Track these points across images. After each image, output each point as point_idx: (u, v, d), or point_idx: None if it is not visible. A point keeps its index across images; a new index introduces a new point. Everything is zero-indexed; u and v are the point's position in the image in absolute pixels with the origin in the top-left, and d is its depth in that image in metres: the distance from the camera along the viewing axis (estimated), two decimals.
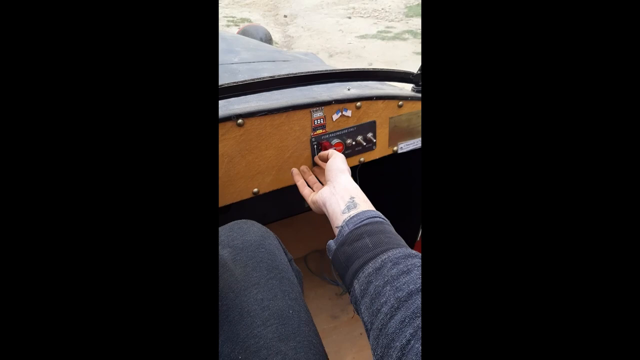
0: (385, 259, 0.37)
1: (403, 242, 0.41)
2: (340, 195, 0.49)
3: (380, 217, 0.45)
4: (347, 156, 0.72)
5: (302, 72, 0.63)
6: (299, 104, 0.62)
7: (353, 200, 0.47)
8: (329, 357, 0.95)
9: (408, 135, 0.78)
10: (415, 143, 0.80)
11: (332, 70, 0.67)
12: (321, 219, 1.35)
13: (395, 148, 0.78)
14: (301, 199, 1.28)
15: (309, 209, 1.28)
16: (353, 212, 0.45)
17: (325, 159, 0.63)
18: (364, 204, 0.47)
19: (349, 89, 0.71)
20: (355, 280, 0.39)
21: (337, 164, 0.56)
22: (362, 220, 0.43)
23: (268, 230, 0.57)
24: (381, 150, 0.76)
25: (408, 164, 0.98)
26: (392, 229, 0.44)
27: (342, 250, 0.42)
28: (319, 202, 0.53)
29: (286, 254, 0.57)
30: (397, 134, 0.77)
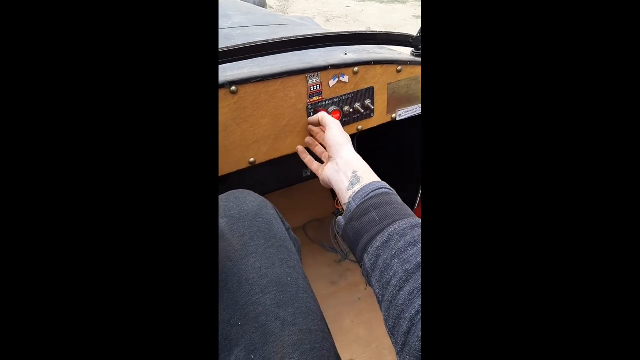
0: (392, 231, 0.38)
1: (409, 210, 0.41)
2: (343, 172, 0.49)
3: (385, 188, 0.44)
4: (344, 124, 0.70)
5: (297, 36, 0.60)
6: (294, 69, 0.60)
7: (356, 175, 0.48)
8: (328, 321, 0.98)
9: (407, 101, 0.76)
10: (415, 110, 0.79)
11: (328, 33, 0.64)
12: (319, 188, 1.35)
13: (394, 115, 0.76)
14: (299, 169, 1.28)
15: (307, 178, 1.29)
16: (357, 187, 0.45)
17: (316, 124, 0.62)
18: (367, 176, 0.47)
19: (346, 54, 0.68)
20: (365, 255, 0.39)
21: (335, 138, 0.55)
22: (368, 194, 0.43)
23: (265, 200, 0.57)
24: (379, 117, 0.75)
25: (406, 131, 0.96)
26: (397, 198, 0.44)
27: (350, 226, 0.42)
28: (325, 180, 0.53)
29: (284, 223, 0.57)
30: (395, 101, 0.75)
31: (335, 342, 0.92)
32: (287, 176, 1.28)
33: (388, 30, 0.70)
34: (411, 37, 0.72)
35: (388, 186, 0.45)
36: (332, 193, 1.31)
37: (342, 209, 1.21)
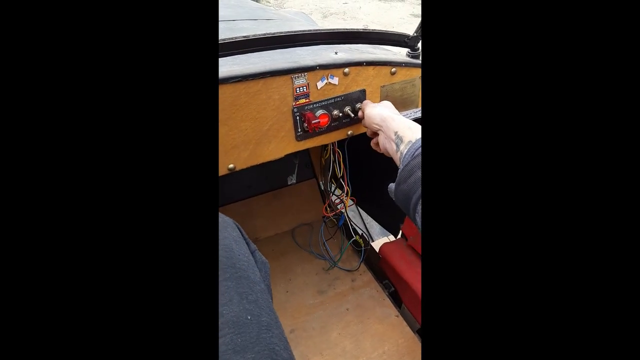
0: None
1: None
2: (388, 137, 0.50)
3: None
4: (333, 129, 0.65)
5: (283, 32, 0.55)
6: (278, 69, 0.55)
7: (397, 135, 0.48)
8: (314, 334, 0.94)
9: (401, 106, 0.71)
10: (410, 114, 0.74)
11: (316, 30, 0.59)
12: (310, 191, 1.30)
13: None
14: (287, 171, 1.22)
15: (291, 185, 1.24)
16: (403, 148, 0.46)
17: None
18: (410, 133, 0.47)
19: (336, 53, 0.63)
20: (416, 214, 0.39)
21: (368, 112, 0.56)
22: (412, 154, 0.43)
23: (227, 219, 0.52)
24: None
25: None
26: None
27: (399, 190, 0.42)
28: (383, 151, 0.54)
29: (248, 245, 0.52)
30: None
31: (320, 356, 0.88)
32: (275, 178, 1.22)
33: (383, 29, 0.65)
34: (407, 36, 0.67)
35: None
36: (322, 197, 1.26)
37: (330, 216, 1.14)
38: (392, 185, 0.44)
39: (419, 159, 0.41)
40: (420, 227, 0.39)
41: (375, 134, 0.58)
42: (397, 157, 0.47)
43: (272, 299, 0.50)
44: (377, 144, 0.57)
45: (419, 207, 0.38)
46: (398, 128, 0.49)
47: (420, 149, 0.43)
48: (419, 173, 0.40)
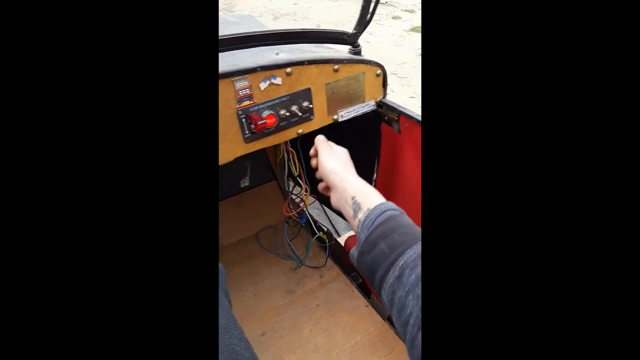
0: (402, 265, 0.36)
1: (418, 231, 0.40)
2: (344, 200, 0.48)
3: (389, 209, 0.42)
4: (282, 128, 0.66)
5: (221, 36, 0.55)
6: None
7: (355, 201, 0.46)
8: (285, 333, 0.94)
9: (347, 101, 0.73)
10: (357, 109, 0.76)
11: (254, 32, 0.60)
12: (271, 193, 1.29)
13: (335, 117, 0.73)
14: (242, 177, 1.21)
15: (245, 188, 1.23)
16: (361, 215, 0.44)
17: (314, 155, 0.56)
18: (367, 200, 0.45)
19: (277, 54, 0.64)
20: (382, 291, 0.38)
21: (324, 164, 0.52)
22: (373, 223, 0.41)
23: None
24: (320, 119, 0.71)
25: (353, 128, 0.94)
26: (404, 218, 0.42)
27: (363, 261, 0.41)
28: (335, 209, 0.51)
29: None
30: (335, 101, 0.72)
31: (294, 354, 0.89)
32: (236, 184, 1.21)
33: (321, 28, 0.66)
34: (346, 34, 0.69)
35: (392, 206, 0.43)
36: (284, 197, 1.26)
37: (292, 216, 1.14)
38: (354, 252, 0.43)
39: (381, 229, 0.40)
40: (386, 303, 0.38)
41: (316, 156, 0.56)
42: (354, 224, 0.46)
43: (230, 303, 0.50)
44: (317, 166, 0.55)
45: (385, 284, 0.38)
46: (355, 193, 0.47)
47: (381, 216, 0.42)
48: (382, 245, 0.39)
